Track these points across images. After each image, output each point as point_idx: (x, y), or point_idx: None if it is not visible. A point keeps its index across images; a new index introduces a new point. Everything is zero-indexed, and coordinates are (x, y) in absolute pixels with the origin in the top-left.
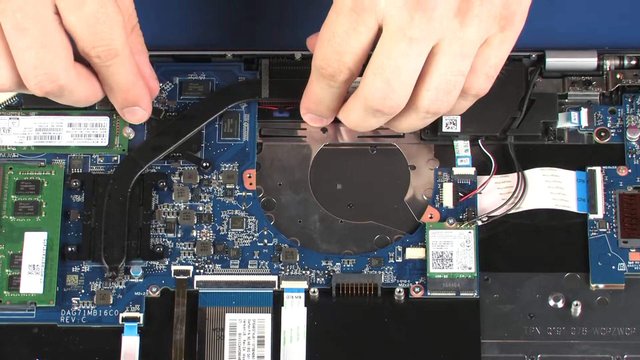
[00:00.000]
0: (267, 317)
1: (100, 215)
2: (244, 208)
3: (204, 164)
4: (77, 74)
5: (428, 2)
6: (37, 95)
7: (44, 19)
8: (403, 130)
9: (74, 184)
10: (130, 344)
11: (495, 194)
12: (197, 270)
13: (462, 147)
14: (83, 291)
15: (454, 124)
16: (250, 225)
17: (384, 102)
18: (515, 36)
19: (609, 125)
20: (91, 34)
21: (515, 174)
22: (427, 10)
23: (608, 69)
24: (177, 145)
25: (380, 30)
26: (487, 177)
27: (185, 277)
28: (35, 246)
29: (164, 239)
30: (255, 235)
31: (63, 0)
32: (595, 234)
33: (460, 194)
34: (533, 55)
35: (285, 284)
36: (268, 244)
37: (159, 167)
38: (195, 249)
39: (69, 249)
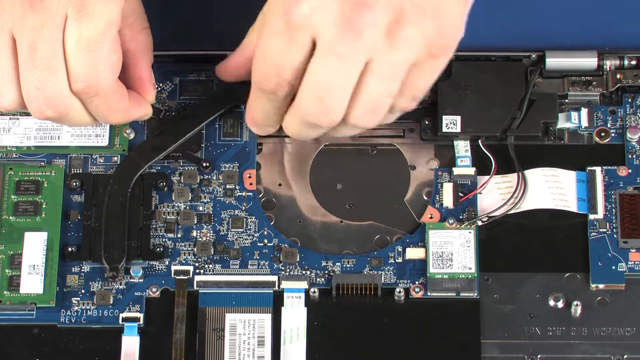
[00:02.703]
0: (267, 317)
1: (100, 216)
2: (244, 208)
3: (204, 164)
4: (79, 100)
5: (357, 23)
6: (38, 119)
7: (54, 42)
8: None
9: (74, 184)
10: (130, 344)
11: (495, 194)
12: (197, 271)
13: (462, 147)
14: (83, 291)
15: (454, 124)
16: (250, 226)
17: (320, 118)
18: (446, 62)
19: (609, 125)
20: (78, 64)
21: (515, 174)
22: (356, 30)
23: (608, 69)
24: (177, 145)
25: (315, 46)
26: (487, 177)
27: (186, 277)
28: (35, 246)
29: (164, 239)
30: (255, 235)
31: (71, 16)
32: (595, 234)
33: (460, 194)
34: (533, 55)
35: (285, 284)
36: (268, 244)
37: (159, 167)
38: (195, 249)
39: (69, 249)
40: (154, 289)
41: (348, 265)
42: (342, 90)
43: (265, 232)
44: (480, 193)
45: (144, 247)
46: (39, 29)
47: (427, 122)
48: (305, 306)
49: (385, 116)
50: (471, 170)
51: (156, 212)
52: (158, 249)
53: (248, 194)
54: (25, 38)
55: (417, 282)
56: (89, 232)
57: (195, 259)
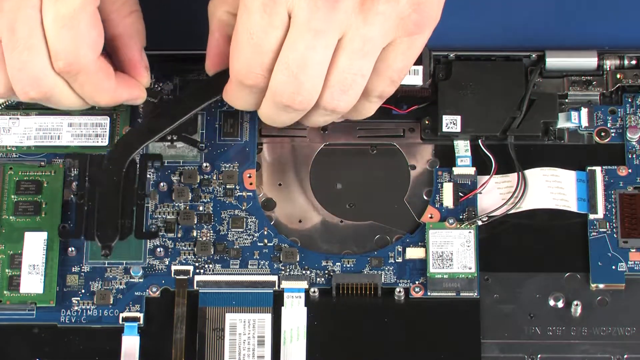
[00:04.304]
0: (267, 317)
1: (93, 195)
2: (244, 208)
3: (200, 146)
4: (63, 80)
5: None
6: (25, 101)
7: (31, 21)
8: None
9: (69, 163)
10: (130, 344)
11: (495, 194)
12: (197, 270)
13: (462, 147)
14: (83, 291)
15: (454, 123)
16: (250, 225)
17: (293, 98)
18: (423, 42)
19: (609, 125)
20: (57, 42)
21: (515, 174)
22: (330, 3)
23: (608, 69)
24: (173, 127)
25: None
26: (487, 177)
27: (186, 277)
28: (35, 246)
29: (164, 239)
30: (256, 235)
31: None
32: (595, 234)
33: (460, 193)
34: (533, 55)
35: (285, 284)
36: (268, 244)
37: (154, 150)
38: (195, 249)
39: (64, 226)
40: (154, 289)
41: (348, 265)
42: (316, 68)
43: (265, 232)
44: (480, 193)
45: (138, 225)
46: (16, 11)
47: (427, 122)
48: (305, 306)
49: (363, 103)
50: (471, 170)
51: (151, 192)
52: (152, 228)
53: (248, 194)
54: (4, 21)
55: (417, 282)
56: (83, 211)
57: (195, 259)
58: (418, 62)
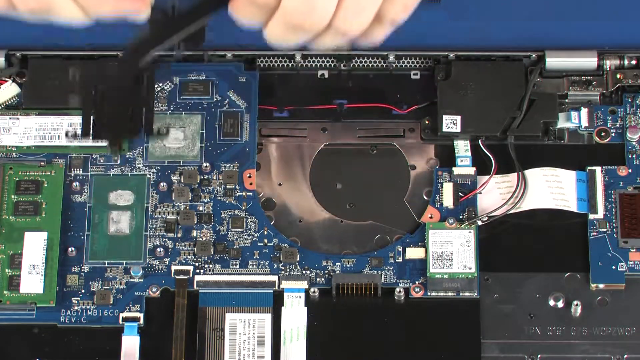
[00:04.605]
0: (267, 317)
1: (102, 99)
2: (244, 208)
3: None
4: None
5: None
6: (27, 17)
7: None
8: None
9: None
10: (130, 344)
11: (495, 194)
12: (197, 270)
13: (462, 147)
14: (83, 291)
15: (454, 123)
16: (250, 225)
17: (304, 18)
18: None
19: (609, 125)
20: None
21: (515, 174)
22: None
23: (608, 69)
24: (180, 37)
25: None
26: (487, 177)
27: (186, 277)
28: (35, 246)
29: (164, 239)
30: (256, 235)
31: None
32: (595, 234)
33: (460, 193)
34: (533, 55)
35: (285, 284)
36: (268, 244)
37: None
38: (195, 249)
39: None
40: (154, 289)
41: (348, 265)
42: None
43: (265, 232)
44: (480, 193)
45: (147, 126)
46: None
47: (427, 122)
48: (305, 306)
49: (374, 28)
50: (471, 170)
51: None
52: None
53: (248, 194)
54: None
55: (417, 282)
56: (90, 112)
57: (195, 259)
58: None
